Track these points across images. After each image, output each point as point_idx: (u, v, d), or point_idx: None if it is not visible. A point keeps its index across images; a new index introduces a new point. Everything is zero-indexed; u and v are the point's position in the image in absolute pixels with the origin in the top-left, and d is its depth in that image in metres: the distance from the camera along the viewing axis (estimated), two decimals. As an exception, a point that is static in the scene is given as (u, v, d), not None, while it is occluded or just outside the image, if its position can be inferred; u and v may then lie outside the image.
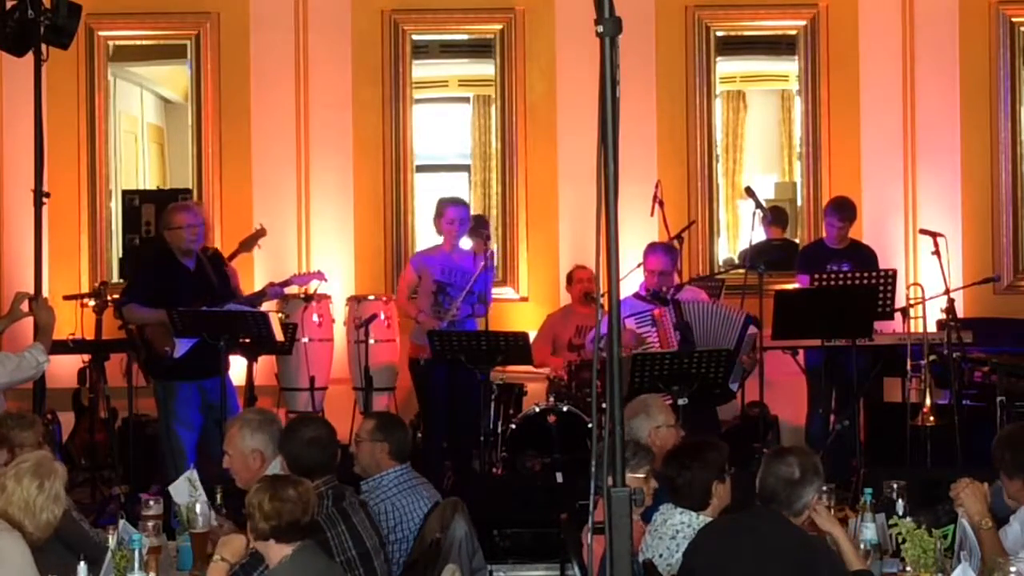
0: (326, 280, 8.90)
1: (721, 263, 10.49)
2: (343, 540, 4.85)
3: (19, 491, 4.47)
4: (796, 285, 8.80)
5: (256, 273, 9.50)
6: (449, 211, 8.60)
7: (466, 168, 11.85)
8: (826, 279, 8.30)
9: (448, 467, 8.45)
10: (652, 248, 8.34)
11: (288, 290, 8.54)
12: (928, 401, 7.97)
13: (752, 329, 8.13)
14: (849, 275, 8.32)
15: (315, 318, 9.13)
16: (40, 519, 4.48)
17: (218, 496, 5.36)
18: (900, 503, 5.10)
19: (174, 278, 7.78)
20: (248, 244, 8.92)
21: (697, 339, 7.96)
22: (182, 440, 7.62)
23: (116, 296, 8.16)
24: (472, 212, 9.08)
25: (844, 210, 8.83)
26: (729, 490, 5.00)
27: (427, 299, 8.58)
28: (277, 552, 4.33)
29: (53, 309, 6.82)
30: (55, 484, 4.53)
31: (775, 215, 10.26)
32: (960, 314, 8.86)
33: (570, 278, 9.31)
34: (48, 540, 4.56)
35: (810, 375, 8.68)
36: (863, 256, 8.85)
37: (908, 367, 8.19)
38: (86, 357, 8.67)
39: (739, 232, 11.86)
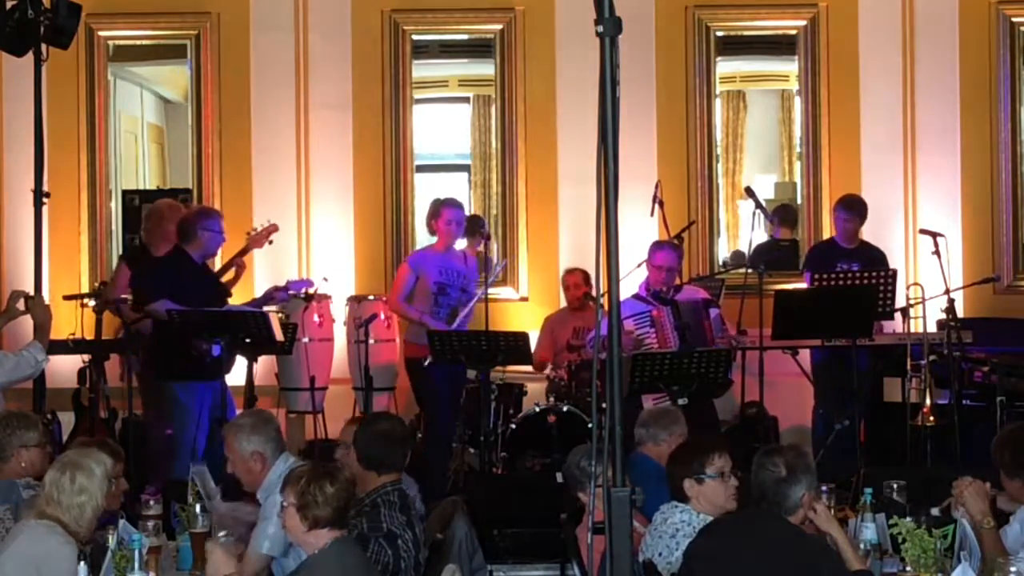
0: (313, 286, 8.95)
1: (721, 263, 10.48)
2: (408, 548, 4.84)
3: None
4: (801, 284, 8.79)
5: (256, 273, 9.51)
6: (445, 212, 8.55)
7: (466, 168, 11.85)
8: (826, 279, 8.29)
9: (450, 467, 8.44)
10: (659, 245, 8.35)
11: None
12: (928, 401, 7.96)
13: (714, 312, 8.18)
14: (849, 275, 8.32)
15: (315, 318, 9.13)
16: (71, 515, 4.59)
17: (217, 496, 5.36)
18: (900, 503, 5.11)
19: (206, 279, 7.88)
20: (259, 240, 8.86)
21: (692, 338, 7.98)
22: (196, 441, 7.58)
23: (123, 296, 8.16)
24: (471, 212, 9.07)
25: (854, 206, 8.81)
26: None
27: (426, 300, 8.51)
28: (320, 540, 4.32)
29: (49, 307, 6.82)
30: (78, 478, 4.61)
31: (783, 214, 10.24)
32: (960, 314, 8.86)
33: (562, 283, 9.33)
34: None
35: (816, 374, 8.67)
36: (873, 257, 8.82)
37: (908, 367, 8.19)
38: (86, 357, 8.66)
39: (739, 232, 11.86)
